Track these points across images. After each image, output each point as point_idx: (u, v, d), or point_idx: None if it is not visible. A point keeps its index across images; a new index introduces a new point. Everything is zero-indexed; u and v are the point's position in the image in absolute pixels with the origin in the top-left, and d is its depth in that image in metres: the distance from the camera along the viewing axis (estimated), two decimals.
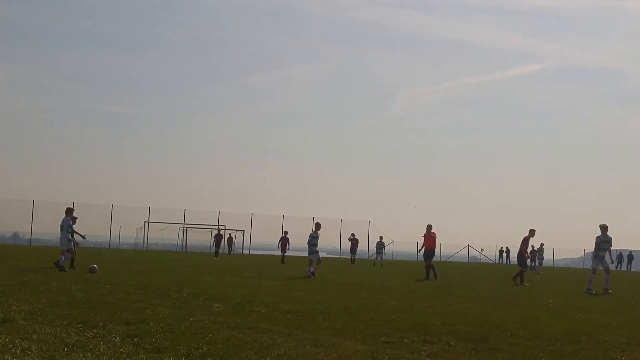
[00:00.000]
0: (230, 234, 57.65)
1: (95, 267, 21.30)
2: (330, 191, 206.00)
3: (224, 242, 51.57)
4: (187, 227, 67.70)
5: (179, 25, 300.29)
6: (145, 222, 65.18)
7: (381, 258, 46.30)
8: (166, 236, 70.03)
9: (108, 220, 63.10)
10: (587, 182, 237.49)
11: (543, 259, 48.23)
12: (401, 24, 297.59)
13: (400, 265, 46.74)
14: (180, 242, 68.65)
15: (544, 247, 48.06)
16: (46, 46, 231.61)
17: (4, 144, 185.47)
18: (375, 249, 48.20)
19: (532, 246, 46.63)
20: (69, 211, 23.25)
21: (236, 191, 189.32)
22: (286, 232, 42.95)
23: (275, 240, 44.18)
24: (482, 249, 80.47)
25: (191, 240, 70.11)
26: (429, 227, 27.56)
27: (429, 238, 27.57)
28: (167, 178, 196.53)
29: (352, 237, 46.03)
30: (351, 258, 45.94)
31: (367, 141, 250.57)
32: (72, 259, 23.13)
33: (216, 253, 47.38)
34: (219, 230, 49.47)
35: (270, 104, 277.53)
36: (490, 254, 79.10)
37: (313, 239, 26.19)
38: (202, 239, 72.88)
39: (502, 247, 76.08)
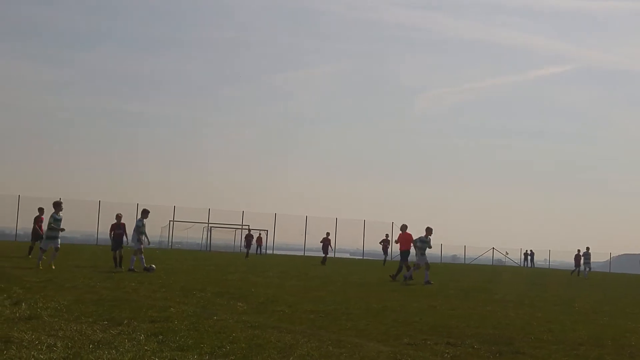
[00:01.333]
0: (259, 234, 57.29)
1: (153, 267, 21.48)
2: (352, 192, 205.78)
3: (254, 242, 50.71)
4: (211, 227, 67.82)
5: (202, 26, 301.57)
6: (170, 221, 65.34)
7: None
8: (190, 235, 70.16)
9: (133, 219, 63.43)
10: (612, 185, 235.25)
11: (590, 263, 44.45)
12: (423, 25, 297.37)
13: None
14: (204, 241, 68.77)
15: (590, 251, 44.12)
16: (69, 45, 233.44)
17: (31, 143, 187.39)
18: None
19: (579, 250, 45.78)
20: (145, 212, 23.09)
21: (260, 191, 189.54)
22: (328, 234, 42.46)
23: (298, 240, 44.02)
24: (506, 252, 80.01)
25: (215, 240, 70.19)
26: (405, 227, 26.22)
27: (406, 238, 25.97)
28: (191, 177, 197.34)
29: (385, 238, 45.60)
30: (384, 260, 45.38)
31: (390, 142, 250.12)
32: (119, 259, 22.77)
33: (247, 254, 46.47)
34: (249, 230, 48.75)
35: (293, 104, 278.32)
36: (516, 257, 78.63)
37: (423, 244, 24.79)
38: (226, 239, 72.97)
39: (527, 250, 75.61)
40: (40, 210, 27.23)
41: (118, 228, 23.66)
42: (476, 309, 14.91)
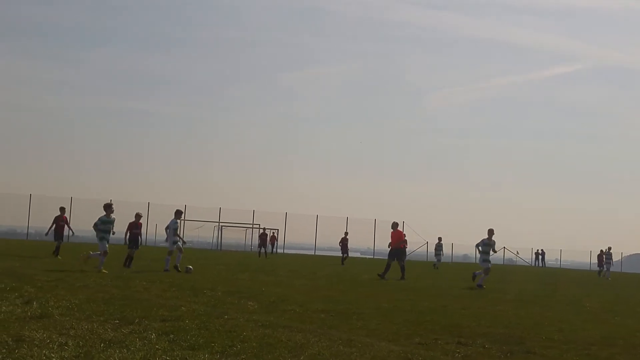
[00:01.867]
0: (273, 233, 56.86)
1: (190, 268, 21.51)
2: (363, 191, 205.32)
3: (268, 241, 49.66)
4: (222, 226, 67.97)
5: (211, 25, 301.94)
6: (182, 220, 65.57)
7: (439, 260, 44.65)
8: (201, 234, 70.38)
9: (144, 218, 63.69)
10: (623, 184, 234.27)
11: (612, 263, 43.90)
12: (433, 24, 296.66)
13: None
14: (215, 240, 68.93)
15: (612, 251, 43.44)
16: (75, 45, 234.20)
17: (42, 142, 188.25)
18: (434, 250, 46.65)
19: (601, 250, 45.58)
20: (178, 213, 22.82)
21: (270, 190, 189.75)
22: (346, 233, 42.29)
23: (308, 239, 43.84)
24: (517, 252, 79.79)
25: (226, 239, 70.34)
26: (395, 224, 25.80)
27: (397, 236, 25.59)
28: (202, 177, 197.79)
29: (439, 240, 45.17)
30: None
31: (400, 141, 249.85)
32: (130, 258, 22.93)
33: (259, 253, 45.66)
34: (264, 229, 48.29)
35: (303, 103, 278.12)
36: (527, 257, 78.40)
37: (486, 247, 23.10)
38: (237, 238, 73.10)
39: (537, 250, 75.39)
40: (62, 209, 27.77)
41: (136, 227, 23.50)
42: (487, 308, 14.88)
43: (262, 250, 45.15)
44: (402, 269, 24.88)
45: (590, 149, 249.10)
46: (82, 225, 65.34)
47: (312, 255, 58.58)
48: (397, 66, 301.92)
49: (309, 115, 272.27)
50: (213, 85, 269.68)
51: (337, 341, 8.82)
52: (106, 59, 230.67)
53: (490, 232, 23.11)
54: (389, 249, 26.02)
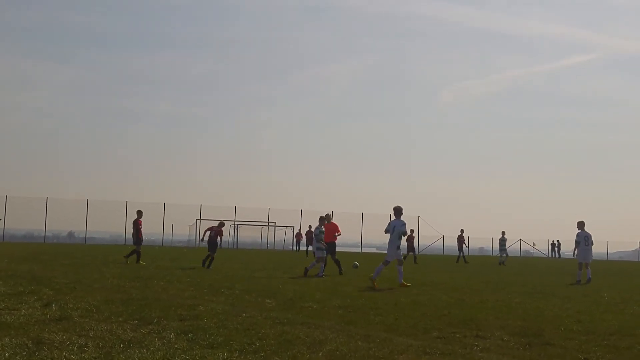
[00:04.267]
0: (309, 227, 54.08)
1: (356, 264, 22.07)
2: (378, 187, 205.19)
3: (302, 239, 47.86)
4: (237, 224, 68.13)
5: (217, 23, 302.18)
6: (197, 219, 65.78)
7: (505, 255, 42.86)
8: None
9: (160, 218, 64.05)
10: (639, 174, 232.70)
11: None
12: (446, 17, 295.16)
13: (451, 260, 46.39)
14: (231, 239, 69.10)
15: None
16: (103, 48, 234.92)
17: (58, 144, 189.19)
18: (498, 245, 44.58)
19: None
20: (322, 219, 23.04)
21: (286, 188, 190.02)
22: (412, 230, 42.06)
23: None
24: (534, 243, 79.58)
25: (242, 237, 70.55)
26: (329, 216, 24.06)
27: (330, 229, 23.80)
28: (217, 176, 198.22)
29: (461, 232, 44.22)
30: (461, 256, 43.70)
31: (415, 135, 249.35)
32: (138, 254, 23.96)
33: (308, 252, 44.13)
34: (310, 227, 46.89)
35: (314, 101, 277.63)
36: (544, 248, 78.18)
37: (587, 239, 23.44)
38: (252, 236, 73.27)
39: (553, 241, 75.13)
40: (139, 213, 27.41)
41: (214, 232, 25.95)
42: (505, 301, 14.84)
43: (309, 249, 43.51)
44: (337, 262, 23.51)
45: (606, 139, 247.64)
46: (97, 227, 66.00)
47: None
48: (411, 60, 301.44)
49: (321, 112, 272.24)
50: (224, 84, 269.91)
51: (355, 337, 8.83)
52: (121, 59, 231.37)
53: (582, 223, 23.67)
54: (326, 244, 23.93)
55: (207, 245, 25.71)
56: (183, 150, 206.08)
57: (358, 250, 67.03)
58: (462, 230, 44.27)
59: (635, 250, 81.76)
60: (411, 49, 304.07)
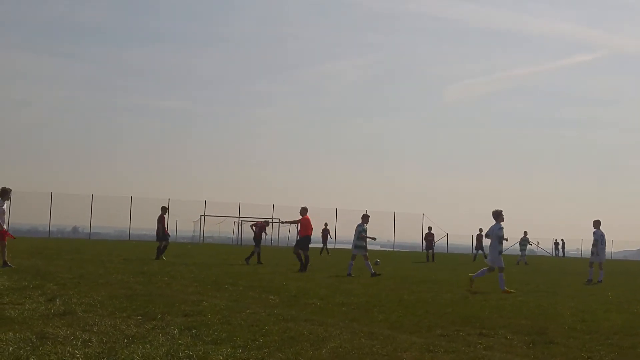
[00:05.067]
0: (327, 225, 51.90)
1: (378, 261, 22.28)
2: (382, 184, 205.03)
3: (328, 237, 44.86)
4: (242, 221, 68.16)
5: (228, 21, 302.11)
6: (201, 215, 65.84)
7: (523, 255, 42.44)
8: (222, 229, 70.68)
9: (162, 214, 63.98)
10: None
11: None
12: (451, 14, 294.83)
13: (455, 258, 46.39)
14: (235, 235, 69.16)
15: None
16: (108, 44, 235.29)
17: (64, 140, 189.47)
18: (519, 245, 44.81)
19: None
20: (365, 217, 22.90)
21: (290, 185, 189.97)
22: (326, 224, 42.15)
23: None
24: (538, 242, 79.43)
25: (246, 234, 70.53)
26: (305, 210, 23.42)
27: (308, 223, 23.36)
28: (222, 172, 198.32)
29: (480, 231, 43.90)
30: (479, 254, 42.93)
31: (419, 133, 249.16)
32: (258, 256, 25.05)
33: (324, 249, 42.86)
34: (325, 225, 45.93)
35: (319, 98, 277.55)
36: (548, 247, 78.04)
37: (603, 237, 23.33)
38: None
39: (556, 240, 74.98)
40: (163, 209, 27.87)
41: (259, 228, 27.38)
42: (508, 299, 14.83)
43: (324, 247, 43.10)
44: (307, 258, 22.84)
45: (611, 137, 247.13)
46: (102, 222, 66.05)
47: (331, 248, 58.51)
48: (416, 58, 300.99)
49: (325, 109, 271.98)
50: (229, 80, 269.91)
51: (358, 334, 8.83)
52: (125, 55, 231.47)
53: (598, 222, 23.33)
54: (299, 238, 24.04)
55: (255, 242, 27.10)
56: (188, 146, 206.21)
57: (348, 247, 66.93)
58: (480, 229, 43.23)
59: (639, 249, 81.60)
60: (416, 47, 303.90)
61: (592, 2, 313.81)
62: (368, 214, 23.19)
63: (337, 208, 67.58)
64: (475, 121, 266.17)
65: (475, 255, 43.24)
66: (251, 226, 28.35)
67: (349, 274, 20.99)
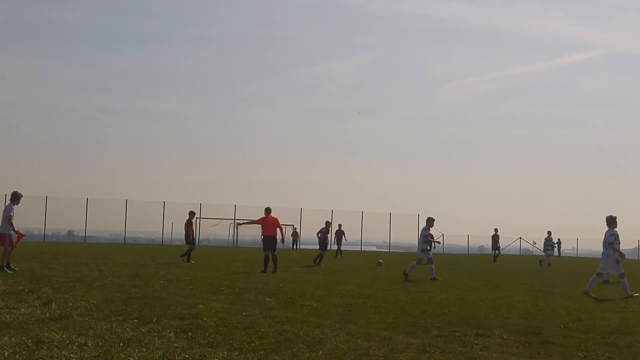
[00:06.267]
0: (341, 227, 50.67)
1: (380, 262, 22.60)
2: (377, 185, 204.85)
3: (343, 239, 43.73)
4: (237, 223, 68.13)
5: (225, 22, 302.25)
6: (197, 218, 65.79)
7: (549, 255, 40.82)
8: (217, 232, 70.57)
9: (160, 217, 64.01)
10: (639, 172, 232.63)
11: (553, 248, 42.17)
12: (445, 14, 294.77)
13: (451, 259, 46.43)
14: (231, 237, 69.10)
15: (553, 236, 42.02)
16: (100, 46, 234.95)
17: (58, 143, 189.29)
18: (543, 246, 42.67)
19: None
20: (430, 221, 22.52)
21: (285, 186, 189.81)
22: (327, 223, 42.03)
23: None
24: (534, 242, 79.56)
25: (242, 236, 70.52)
26: (269, 209, 22.86)
27: (271, 222, 22.70)
28: (218, 174, 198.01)
29: (495, 231, 42.43)
30: (496, 254, 42.41)
31: (414, 133, 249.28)
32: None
33: (339, 251, 42.37)
34: (340, 226, 45.15)
35: (316, 98, 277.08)
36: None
37: (616, 238, 22.37)
38: (252, 234, 73.21)
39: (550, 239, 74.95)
40: (191, 214, 28.62)
41: (323, 232, 30.78)
42: (505, 299, 14.86)
43: (338, 249, 42.33)
44: (274, 259, 22.26)
45: (607, 137, 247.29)
46: (97, 225, 65.99)
47: (327, 250, 58.61)
48: (411, 58, 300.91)
49: (321, 110, 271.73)
50: (226, 83, 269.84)
51: (355, 335, 8.84)
52: (121, 59, 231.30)
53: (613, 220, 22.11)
54: (262, 237, 23.28)
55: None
56: (183, 149, 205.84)
57: (358, 248, 66.97)
58: (496, 230, 42.70)
59: (635, 248, 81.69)
60: (410, 47, 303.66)
61: (588, 1, 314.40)
62: (433, 217, 22.70)
63: (333, 209, 67.52)
64: (471, 121, 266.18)
65: (495, 256, 42.33)
66: (317, 233, 31.81)
67: (433, 278, 21.01)
